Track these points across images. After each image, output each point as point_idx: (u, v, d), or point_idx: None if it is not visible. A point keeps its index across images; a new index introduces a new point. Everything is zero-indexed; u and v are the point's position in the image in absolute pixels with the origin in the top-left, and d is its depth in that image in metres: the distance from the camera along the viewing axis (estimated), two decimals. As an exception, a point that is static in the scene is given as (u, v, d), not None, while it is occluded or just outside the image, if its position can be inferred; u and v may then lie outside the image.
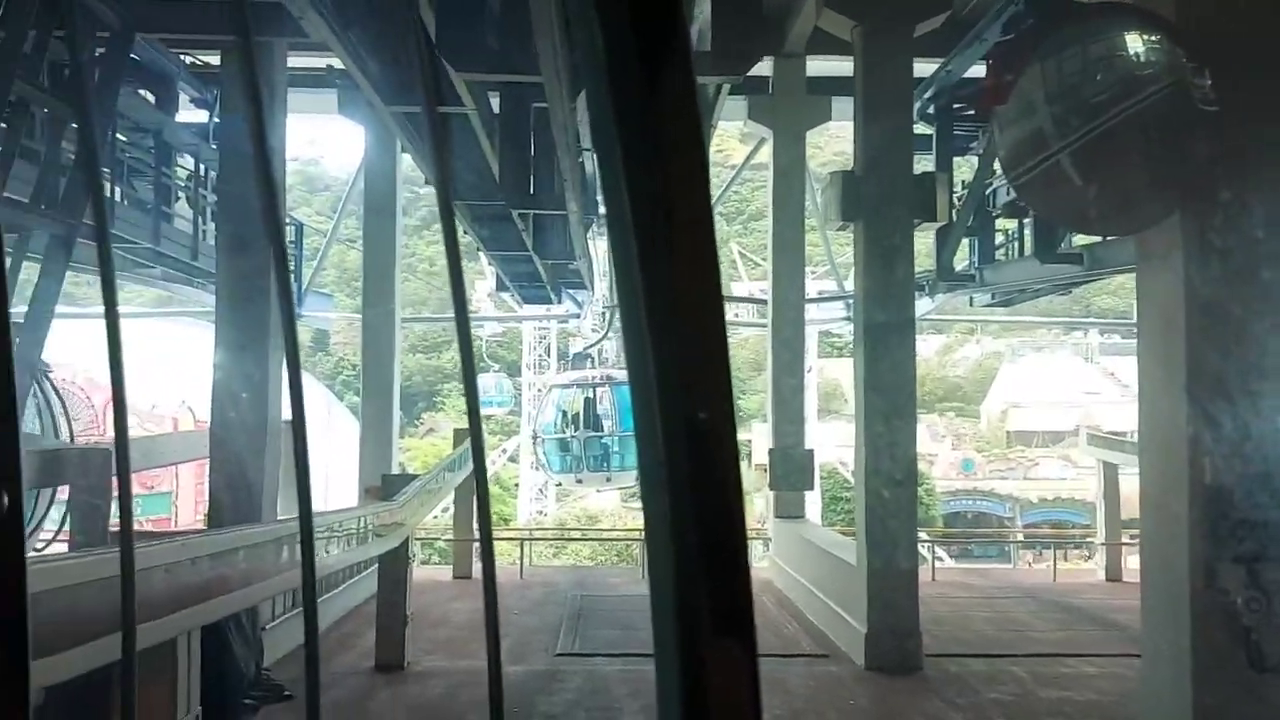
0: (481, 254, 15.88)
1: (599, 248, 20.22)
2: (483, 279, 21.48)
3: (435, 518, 21.73)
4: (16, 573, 0.92)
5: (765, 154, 20.27)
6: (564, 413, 24.94)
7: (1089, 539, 28.49)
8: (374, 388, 16.78)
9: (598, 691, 10.27)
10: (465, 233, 13.19)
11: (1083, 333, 54.50)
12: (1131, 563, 18.66)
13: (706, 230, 0.80)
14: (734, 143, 40.99)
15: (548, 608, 14.46)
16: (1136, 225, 6.83)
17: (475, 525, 16.48)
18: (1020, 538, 35.68)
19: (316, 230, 30.71)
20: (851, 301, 21.79)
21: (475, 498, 1.18)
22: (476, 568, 17.68)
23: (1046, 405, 48.71)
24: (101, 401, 28.05)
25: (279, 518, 11.46)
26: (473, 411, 1.11)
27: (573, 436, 24.60)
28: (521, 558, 19.79)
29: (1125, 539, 18.35)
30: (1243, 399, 6.31)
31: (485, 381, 40.90)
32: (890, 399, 11.23)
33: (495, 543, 28.19)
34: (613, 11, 0.80)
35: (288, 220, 17.18)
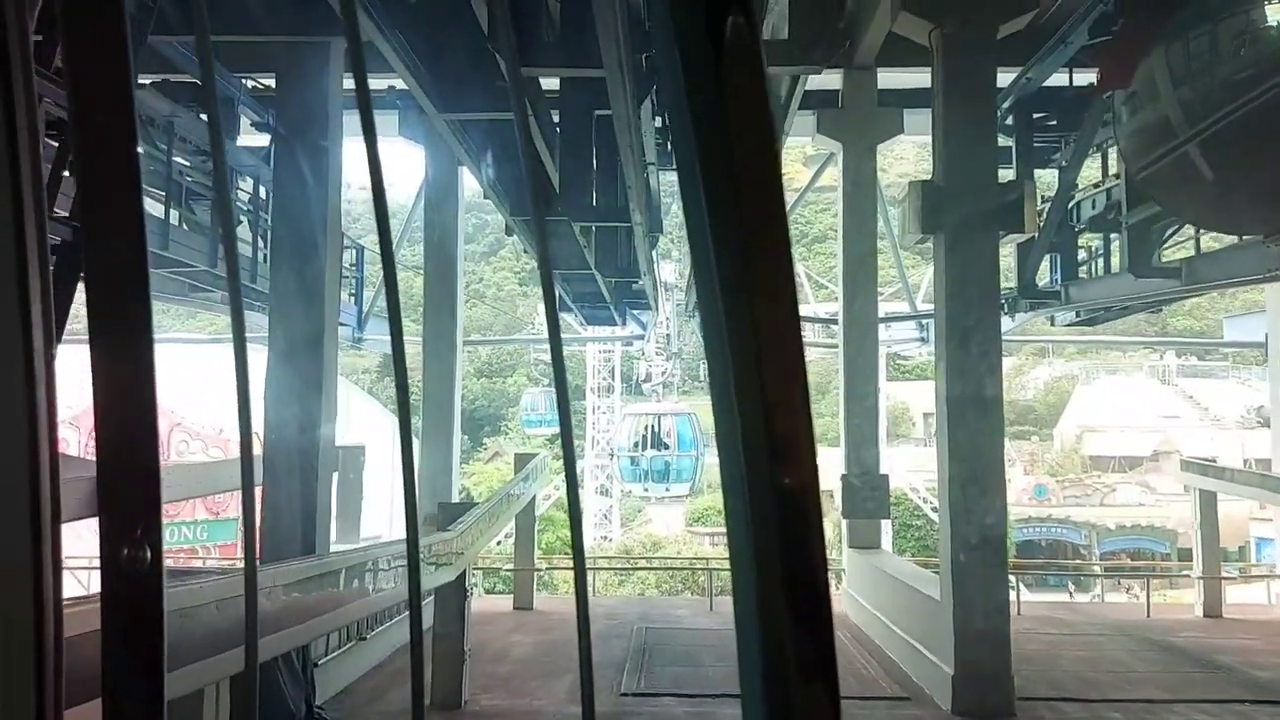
0: (543, 275, 15.43)
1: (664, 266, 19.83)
2: (546, 301, 21.25)
3: (499, 544, 21.29)
4: (156, 620, 0.97)
5: (828, 177, 19.72)
6: (635, 435, 31.91)
7: (1180, 569, 27.23)
8: (435, 413, 16.36)
9: (665, 734, 9.68)
10: (525, 250, 12.71)
11: (1159, 355, 52.80)
12: (1232, 597, 17.57)
13: (788, 292, 0.82)
14: (797, 166, 40.54)
15: (612, 641, 13.87)
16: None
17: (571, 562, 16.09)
18: (1098, 569, 34.31)
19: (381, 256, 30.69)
20: (925, 322, 21.10)
21: (571, 542, 1.16)
22: (539, 598, 17.17)
23: (1123, 429, 47.02)
24: (166, 428, 28.23)
25: (333, 547, 11.08)
26: (566, 442, 1.11)
27: (642, 454, 31.66)
28: (585, 587, 19.19)
29: (1225, 572, 17.26)
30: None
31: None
32: (976, 410, 10.50)
33: (557, 571, 27.85)
34: (687, 18, 0.80)
35: (346, 244, 16.85)
